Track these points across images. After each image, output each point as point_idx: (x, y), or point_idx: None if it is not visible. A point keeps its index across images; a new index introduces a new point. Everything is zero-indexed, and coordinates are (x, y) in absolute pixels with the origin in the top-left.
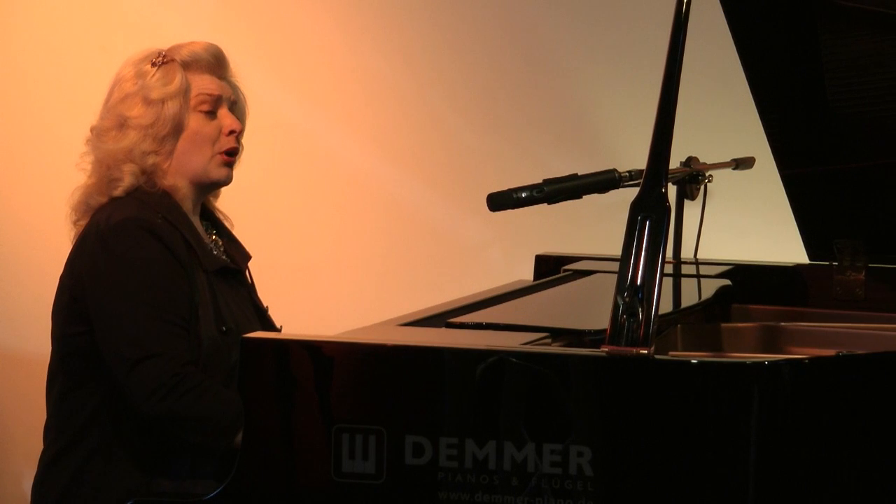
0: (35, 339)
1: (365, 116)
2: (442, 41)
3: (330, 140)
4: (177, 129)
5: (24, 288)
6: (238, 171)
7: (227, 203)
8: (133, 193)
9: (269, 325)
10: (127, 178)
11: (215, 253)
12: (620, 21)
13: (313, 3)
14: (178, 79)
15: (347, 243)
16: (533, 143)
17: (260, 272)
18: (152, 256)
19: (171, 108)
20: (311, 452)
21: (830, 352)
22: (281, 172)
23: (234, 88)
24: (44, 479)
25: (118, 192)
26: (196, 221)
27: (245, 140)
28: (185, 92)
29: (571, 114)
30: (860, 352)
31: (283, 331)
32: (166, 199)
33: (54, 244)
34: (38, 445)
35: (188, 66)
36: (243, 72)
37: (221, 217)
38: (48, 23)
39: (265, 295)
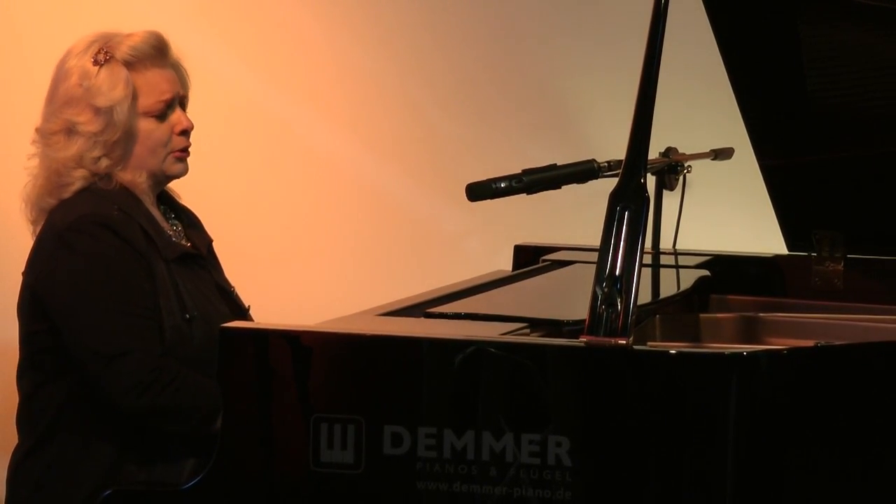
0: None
1: (344, 106)
2: (421, 30)
3: (309, 129)
4: (127, 134)
5: None
6: (221, 161)
7: (207, 191)
8: (88, 188)
9: (235, 306)
10: (77, 183)
11: (174, 240)
12: (600, 10)
13: None
14: (122, 82)
15: (327, 233)
16: (512, 134)
17: (238, 261)
18: (112, 251)
19: (120, 114)
20: (290, 442)
21: (809, 342)
22: (261, 163)
23: (177, 68)
24: (17, 472)
25: (67, 194)
26: (154, 210)
27: (227, 132)
28: (131, 96)
29: (551, 104)
30: (839, 342)
31: (256, 317)
32: (123, 191)
33: (24, 232)
34: (5, 435)
35: (131, 65)
36: (223, 63)
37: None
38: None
39: (244, 285)
